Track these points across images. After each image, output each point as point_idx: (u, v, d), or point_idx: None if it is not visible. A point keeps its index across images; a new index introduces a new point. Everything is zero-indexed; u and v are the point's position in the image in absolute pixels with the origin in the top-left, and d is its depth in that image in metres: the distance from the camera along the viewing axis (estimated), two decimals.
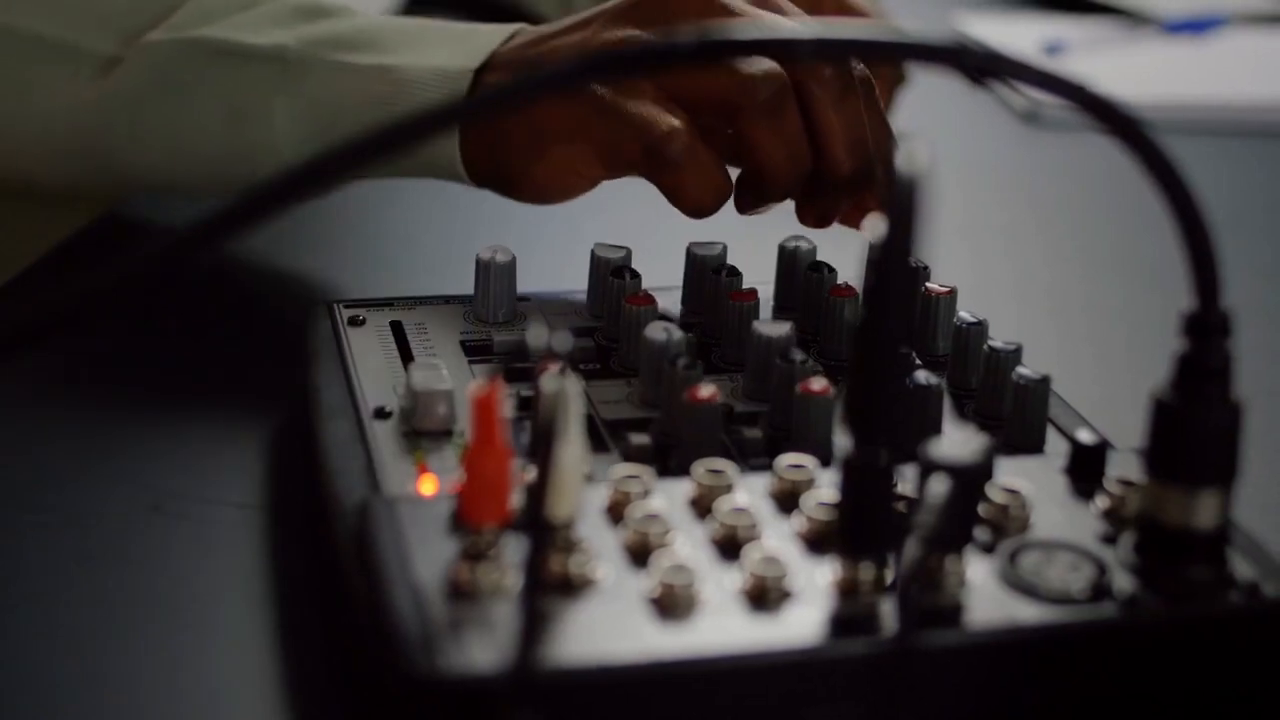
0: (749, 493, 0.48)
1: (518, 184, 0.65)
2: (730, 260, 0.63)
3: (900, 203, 0.40)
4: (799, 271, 0.63)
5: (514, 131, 0.64)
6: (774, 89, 0.60)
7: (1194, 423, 0.44)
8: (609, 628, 0.42)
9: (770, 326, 0.56)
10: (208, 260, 0.63)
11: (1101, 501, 0.48)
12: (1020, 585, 0.44)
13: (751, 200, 0.63)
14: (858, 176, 0.62)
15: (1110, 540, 0.46)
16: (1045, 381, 0.55)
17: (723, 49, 0.46)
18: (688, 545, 0.45)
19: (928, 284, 0.61)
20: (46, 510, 0.54)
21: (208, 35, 0.68)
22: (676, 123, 0.60)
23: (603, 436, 0.54)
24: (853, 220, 0.63)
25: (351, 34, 0.67)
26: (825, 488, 0.47)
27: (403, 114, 0.40)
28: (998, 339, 0.57)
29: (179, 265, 0.40)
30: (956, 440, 0.43)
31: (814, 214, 0.64)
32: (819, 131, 0.61)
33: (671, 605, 0.42)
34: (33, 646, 0.47)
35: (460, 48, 0.65)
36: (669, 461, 0.52)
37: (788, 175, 0.61)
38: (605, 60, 0.44)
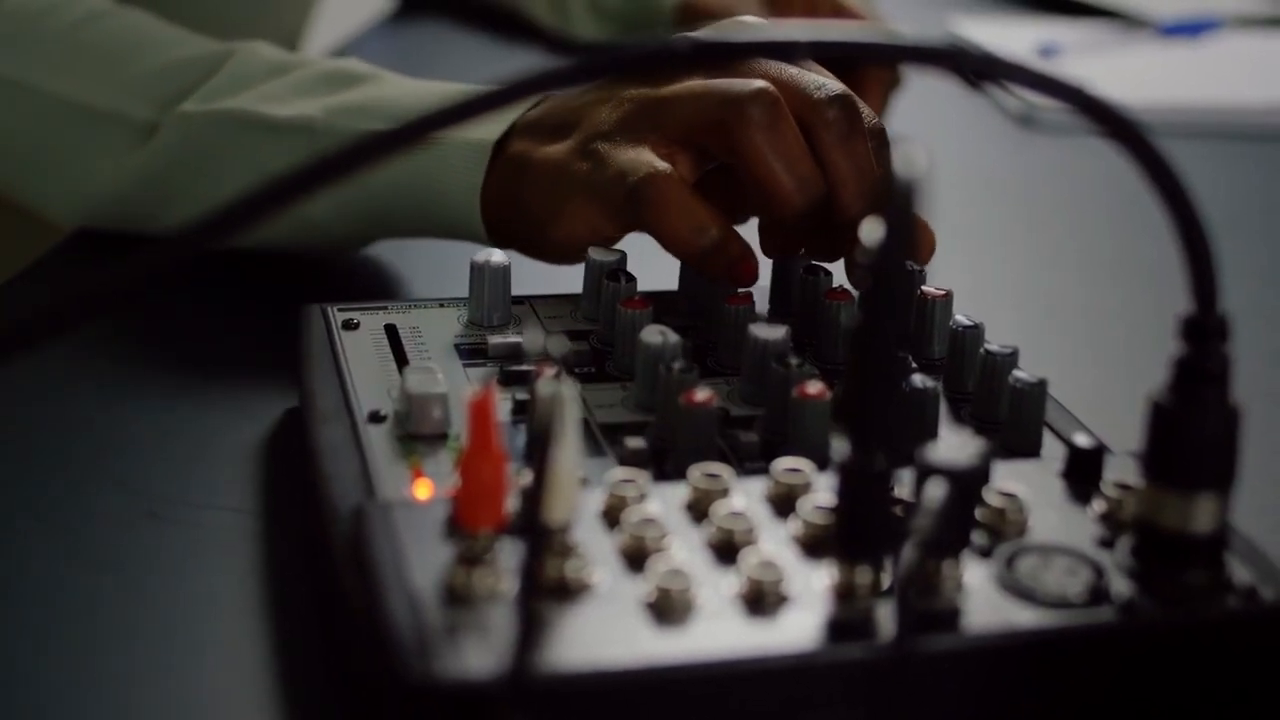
0: (745, 497, 0.47)
1: (538, 246, 0.66)
2: None
3: (897, 207, 0.40)
4: (795, 275, 0.63)
5: (526, 195, 0.65)
6: (764, 104, 0.59)
7: (1191, 426, 0.44)
8: (605, 632, 0.41)
9: (766, 330, 0.56)
10: (203, 262, 0.63)
11: (1099, 505, 0.48)
12: (1017, 589, 0.44)
13: (772, 235, 0.63)
14: (868, 215, 0.61)
15: (1107, 544, 0.46)
16: (1042, 385, 0.54)
17: (719, 51, 0.46)
18: (684, 549, 0.45)
19: (924, 287, 0.61)
20: (41, 515, 0.54)
21: (237, 107, 0.70)
22: (659, 165, 0.60)
23: (598, 440, 0.53)
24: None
25: (376, 103, 0.69)
26: (822, 492, 0.47)
27: (400, 120, 0.40)
28: (994, 342, 0.57)
29: (174, 268, 0.40)
30: (953, 444, 0.43)
31: (824, 249, 0.63)
32: (826, 174, 0.60)
33: (668, 609, 0.42)
34: (28, 650, 0.47)
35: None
36: (665, 465, 0.52)
37: (795, 196, 0.60)
38: (603, 62, 0.44)
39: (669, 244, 0.60)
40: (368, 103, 0.69)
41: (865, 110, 0.62)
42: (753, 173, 0.60)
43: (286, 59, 0.73)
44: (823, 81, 0.61)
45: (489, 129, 0.66)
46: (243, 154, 0.70)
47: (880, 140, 0.62)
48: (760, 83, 0.60)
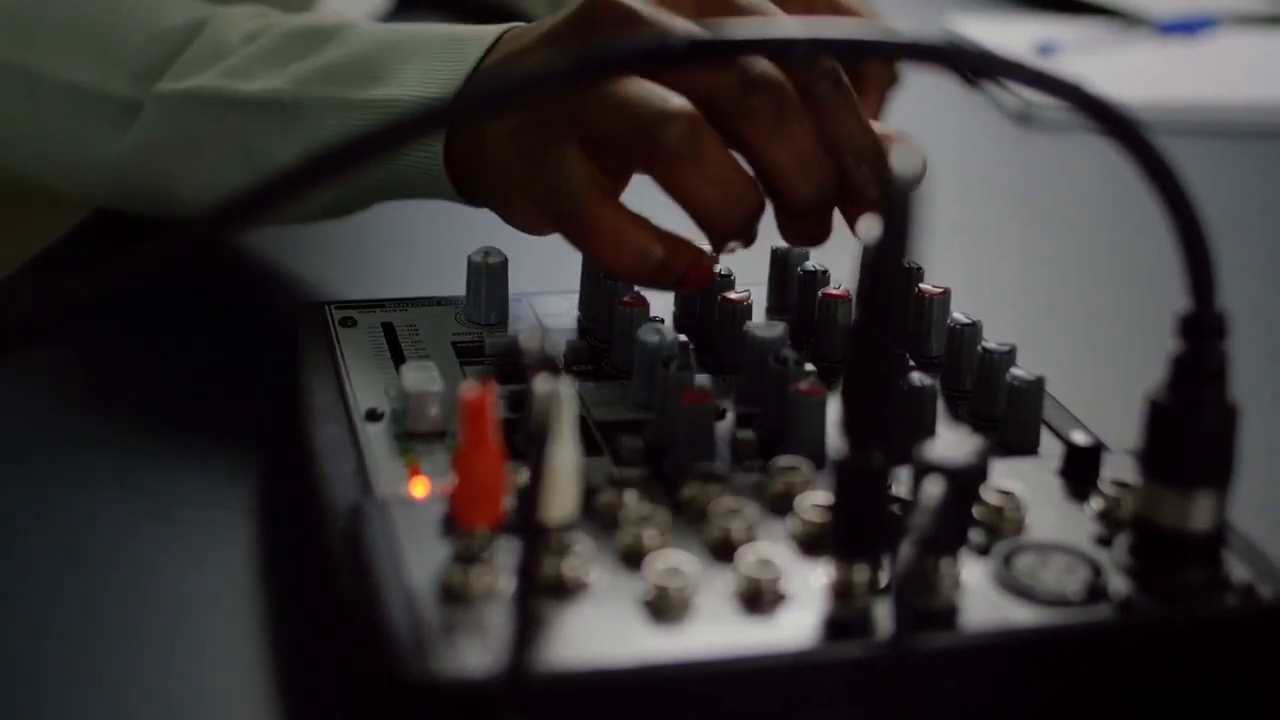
0: (743, 495, 0.47)
1: (504, 218, 0.65)
2: (723, 262, 0.63)
3: (895, 205, 0.40)
4: (792, 273, 0.63)
5: (477, 176, 0.63)
6: (677, 133, 0.54)
7: (1189, 424, 0.44)
8: (602, 631, 0.41)
9: (764, 328, 0.56)
10: (200, 261, 0.63)
11: (1096, 503, 0.48)
12: (1015, 587, 0.44)
13: (718, 249, 0.58)
14: (826, 194, 0.57)
15: (1105, 542, 0.46)
16: (1039, 383, 0.54)
17: (718, 49, 0.46)
18: (682, 548, 0.45)
19: (921, 285, 0.61)
20: (41, 515, 0.54)
21: (208, 85, 0.69)
22: (583, 192, 0.56)
23: (596, 439, 0.53)
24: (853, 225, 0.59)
25: (343, 63, 0.67)
26: (819, 490, 0.47)
27: (385, 121, 0.40)
28: (992, 340, 0.57)
29: (167, 269, 0.40)
30: (951, 442, 0.43)
31: (797, 236, 0.59)
32: (762, 169, 0.56)
33: (665, 608, 0.42)
34: (26, 650, 0.47)
35: (448, 63, 0.65)
36: (663, 463, 0.52)
37: (734, 213, 0.56)
38: (599, 60, 0.44)
39: (611, 272, 0.59)
40: (334, 65, 0.67)
41: (821, 76, 0.57)
42: (682, 205, 0.56)
43: (258, 24, 0.71)
44: (747, 68, 0.56)
45: (455, 69, 0.64)
46: (220, 133, 0.69)
47: (826, 98, 0.57)
48: (676, 104, 0.54)
